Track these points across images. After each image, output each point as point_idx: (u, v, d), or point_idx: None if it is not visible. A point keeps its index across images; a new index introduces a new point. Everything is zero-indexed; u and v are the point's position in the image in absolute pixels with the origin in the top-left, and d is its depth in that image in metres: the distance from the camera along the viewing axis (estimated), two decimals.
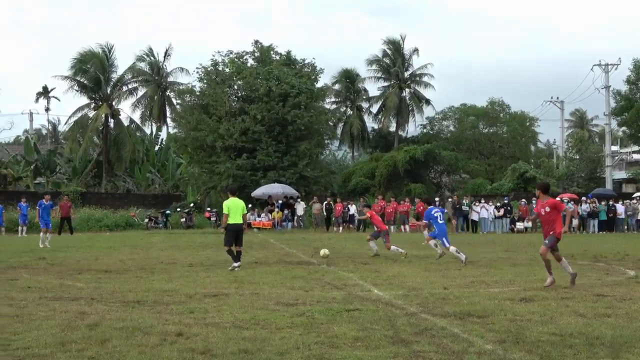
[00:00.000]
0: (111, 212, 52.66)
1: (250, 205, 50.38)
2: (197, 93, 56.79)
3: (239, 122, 52.24)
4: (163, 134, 76.79)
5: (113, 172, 67.72)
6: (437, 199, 37.38)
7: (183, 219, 51.64)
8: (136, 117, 76.87)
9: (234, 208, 19.37)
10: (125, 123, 69.11)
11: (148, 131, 78.24)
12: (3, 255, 24.53)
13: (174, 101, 70.80)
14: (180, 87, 67.07)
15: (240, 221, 19.45)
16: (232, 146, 52.35)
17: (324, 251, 21.71)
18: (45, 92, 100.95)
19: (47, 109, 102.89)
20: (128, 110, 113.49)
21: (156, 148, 73.66)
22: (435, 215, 21.93)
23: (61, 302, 12.93)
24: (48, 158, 69.17)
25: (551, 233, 14.76)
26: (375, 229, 24.59)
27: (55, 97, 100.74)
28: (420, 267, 19.57)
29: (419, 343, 8.98)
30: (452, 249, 20.98)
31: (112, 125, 67.34)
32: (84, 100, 68.54)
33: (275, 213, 49.40)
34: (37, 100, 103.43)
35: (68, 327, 10.32)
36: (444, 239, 21.43)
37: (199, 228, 50.19)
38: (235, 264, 18.95)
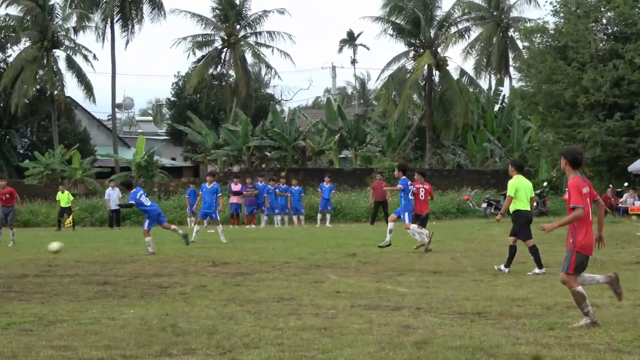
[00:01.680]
0: (438, 195, 53.49)
1: (626, 184, 49.20)
2: (551, 32, 56.10)
3: (609, 70, 50.93)
4: (505, 90, 76.87)
5: (439, 142, 69.00)
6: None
7: (534, 203, 51.39)
8: (468, 67, 78.03)
9: (523, 189, 19.56)
10: (455, 76, 70.04)
11: (485, 86, 78.61)
12: (304, 252, 25.92)
13: (520, 44, 70.65)
14: (528, 25, 66.57)
15: (529, 208, 19.74)
16: (600, 102, 51.13)
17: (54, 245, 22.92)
18: (350, 40, 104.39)
19: (353, 62, 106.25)
20: (458, 59, 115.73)
21: (496, 108, 73.82)
22: (410, 189, 25.09)
23: (379, 311, 13.46)
24: (356, 125, 71.13)
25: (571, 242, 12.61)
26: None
27: (364, 46, 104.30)
28: None
29: None
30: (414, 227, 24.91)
31: (437, 79, 68.66)
32: (400, 47, 70.90)
33: None
34: (340, 50, 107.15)
35: (389, 344, 10.70)
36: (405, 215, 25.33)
37: (555, 214, 49.67)
38: (539, 270, 18.85)
